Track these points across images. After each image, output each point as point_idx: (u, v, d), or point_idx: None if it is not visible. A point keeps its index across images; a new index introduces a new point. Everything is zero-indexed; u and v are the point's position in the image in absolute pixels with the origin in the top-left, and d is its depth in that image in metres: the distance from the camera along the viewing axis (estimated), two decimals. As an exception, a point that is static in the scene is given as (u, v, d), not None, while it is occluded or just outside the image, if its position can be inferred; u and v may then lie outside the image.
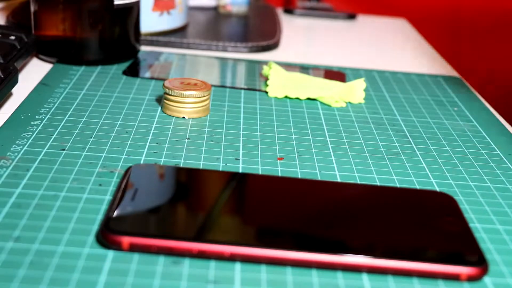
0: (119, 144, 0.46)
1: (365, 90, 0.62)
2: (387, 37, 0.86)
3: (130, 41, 0.64)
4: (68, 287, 0.30)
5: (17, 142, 0.45)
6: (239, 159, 0.45)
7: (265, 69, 0.63)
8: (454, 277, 0.34)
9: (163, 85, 0.52)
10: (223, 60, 0.68)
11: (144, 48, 0.71)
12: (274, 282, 0.32)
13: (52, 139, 0.46)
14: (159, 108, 0.53)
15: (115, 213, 0.35)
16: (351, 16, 0.96)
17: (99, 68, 0.62)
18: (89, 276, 0.31)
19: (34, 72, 0.60)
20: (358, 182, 0.43)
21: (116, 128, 0.49)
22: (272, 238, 0.35)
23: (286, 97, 0.58)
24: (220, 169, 0.44)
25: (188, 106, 0.51)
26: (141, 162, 0.44)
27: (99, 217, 0.37)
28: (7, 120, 0.48)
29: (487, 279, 0.34)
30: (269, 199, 0.39)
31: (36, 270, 0.32)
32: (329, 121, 0.53)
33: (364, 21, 0.96)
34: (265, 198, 0.39)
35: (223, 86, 0.60)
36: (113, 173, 0.42)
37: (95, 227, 0.36)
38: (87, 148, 0.45)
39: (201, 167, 0.44)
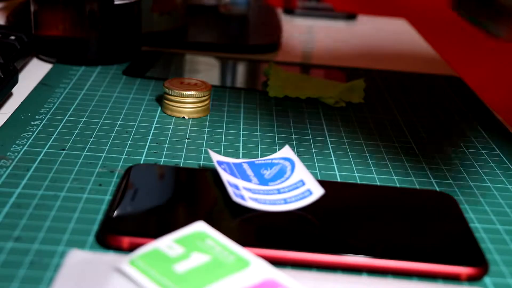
0: (119, 144, 0.46)
1: (365, 90, 0.62)
2: (387, 37, 0.86)
3: (130, 41, 0.64)
4: (68, 287, 0.30)
5: (17, 142, 0.45)
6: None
7: (265, 69, 0.63)
8: (454, 277, 0.34)
9: (163, 85, 0.52)
10: (223, 60, 0.68)
11: (144, 48, 0.71)
12: (274, 282, 0.32)
13: (52, 139, 0.46)
14: (159, 108, 0.53)
15: (115, 213, 0.35)
16: (351, 16, 0.96)
17: (99, 68, 0.62)
18: (89, 276, 0.31)
19: (34, 72, 0.60)
20: (358, 182, 0.43)
21: (116, 128, 0.49)
22: (271, 238, 0.35)
23: (286, 97, 0.58)
24: (220, 169, 0.43)
25: (188, 106, 0.51)
26: (141, 162, 0.44)
27: (99, 217, 0.37)
28: (7, 120, 0.48)
29: (487, 279, 0.34)
30: (269, 199, 0.38)
31: (36, 270, 0.32)
32: (329, 121, 0.53)
33: (364, 21, 0.96)
34: (265, 198, 0.39)
35: (223, 86, 0.60)
36: (113, 173, 0.42)
37: (95, 227, 0.36)
38: (87, 148, 0.45)
39: (201, 167, 0.44)
